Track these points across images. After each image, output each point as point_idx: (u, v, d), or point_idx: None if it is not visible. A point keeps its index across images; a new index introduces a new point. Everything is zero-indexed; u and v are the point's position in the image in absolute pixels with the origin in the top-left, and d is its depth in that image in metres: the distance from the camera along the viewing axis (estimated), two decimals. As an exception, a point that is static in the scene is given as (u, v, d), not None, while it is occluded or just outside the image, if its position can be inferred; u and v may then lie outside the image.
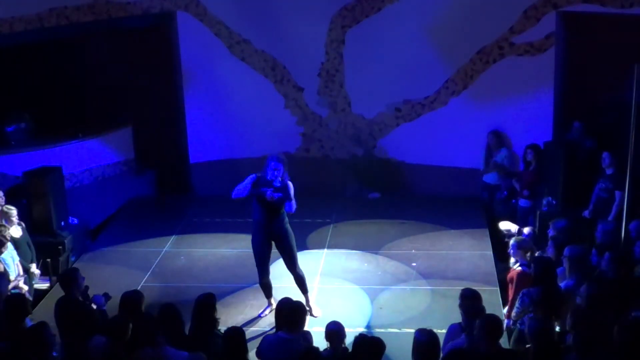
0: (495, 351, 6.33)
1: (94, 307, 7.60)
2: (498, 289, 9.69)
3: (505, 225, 10.14)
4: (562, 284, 7.86)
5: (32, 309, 8.21)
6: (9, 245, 9.18)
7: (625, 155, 9.10)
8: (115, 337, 6.62)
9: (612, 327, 6.44)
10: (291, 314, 6.99)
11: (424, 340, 6.31)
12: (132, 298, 7.31)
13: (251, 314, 9.38)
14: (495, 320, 6.54)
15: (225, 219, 12.32)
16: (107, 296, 7.82)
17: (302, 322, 7.01)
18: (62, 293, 7.78)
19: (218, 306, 7.39)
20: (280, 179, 8.90)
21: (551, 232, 9.07)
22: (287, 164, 9.03)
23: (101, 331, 6.88)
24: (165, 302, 7.29)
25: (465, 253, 10.97)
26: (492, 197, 12.32)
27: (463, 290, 7.37)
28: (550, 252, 8.27)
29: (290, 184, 9.01)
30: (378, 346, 6.39)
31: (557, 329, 7.39)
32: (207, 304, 7.22)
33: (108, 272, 10.60)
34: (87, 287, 7.74)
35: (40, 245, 10.35)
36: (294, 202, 8.97)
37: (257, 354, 7.08)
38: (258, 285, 9.30)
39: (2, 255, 9.01)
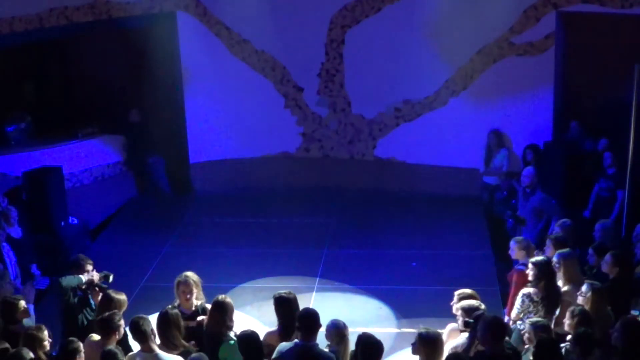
0: (498, 351, 6.32)
1: None
2: (498, 289, 9.70)
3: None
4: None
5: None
6: (6, 245, 9.18)
7: (626, 155, 9.10)
8: (106, 334, 6.65)
9: (612, 327, 6.45)
10: (307, 320, 6.62)
11: (427, 340, 6.30)
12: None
13: (251, 313, 9.38)
14: (498, 321, 6.53)
15: (225, 218, 12.33)
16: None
17: (318, 327, 6.66)
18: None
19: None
20: None
21: (554, 232, 9.06)
22: None
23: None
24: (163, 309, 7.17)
25: (465, 253, 10.97)
26: (492, 197, 12.31)
27: (458, 293, 7.36)
28: (547, 252, 8.27)
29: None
30: (378, 346, 6.38)
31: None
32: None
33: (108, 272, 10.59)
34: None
35: (40, 245, 10.34)
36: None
37: None
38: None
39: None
